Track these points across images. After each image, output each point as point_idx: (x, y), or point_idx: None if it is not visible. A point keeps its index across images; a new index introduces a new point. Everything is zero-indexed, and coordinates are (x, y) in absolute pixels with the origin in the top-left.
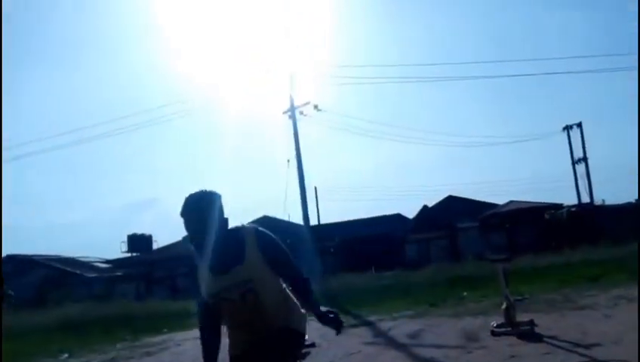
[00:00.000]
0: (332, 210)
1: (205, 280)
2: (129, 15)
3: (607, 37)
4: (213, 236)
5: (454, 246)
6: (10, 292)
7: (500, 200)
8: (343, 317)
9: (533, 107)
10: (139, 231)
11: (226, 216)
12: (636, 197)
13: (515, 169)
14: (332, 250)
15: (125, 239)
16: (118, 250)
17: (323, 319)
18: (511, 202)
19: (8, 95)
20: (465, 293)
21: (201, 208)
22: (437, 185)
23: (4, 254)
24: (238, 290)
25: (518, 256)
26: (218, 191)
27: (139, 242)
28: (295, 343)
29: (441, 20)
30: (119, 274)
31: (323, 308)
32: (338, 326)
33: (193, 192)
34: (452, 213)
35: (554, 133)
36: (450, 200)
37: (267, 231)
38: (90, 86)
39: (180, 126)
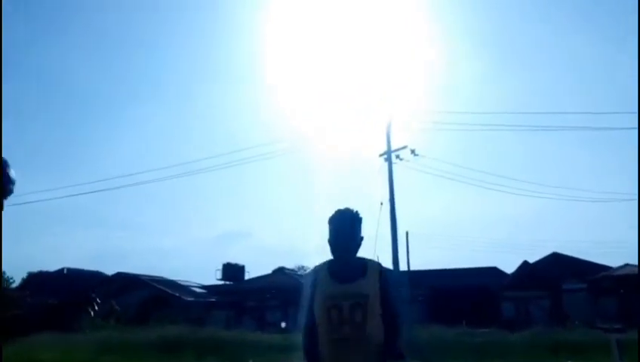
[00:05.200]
0: (423, 258)
1: (324, 285)
2: (235, 56)
3: None
4: (352, 248)
5: (558, 309)
6: (116, 307)
7: (612, 263)
8: None
9: None
10: (233, 261)
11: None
12: None
13: (629, 230)
14: (420, 299)
15: (220, 267)
16: (212, 276)
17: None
18: (626, 265)
19: (124, 129)
20: None
21: (351, 221)
22: (539, 240)
23: (113, 272)
24: (352, 300)
25: (634, 328)
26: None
27: (232, 271)
28: None
29: (549, 68)
30: (213, 300)
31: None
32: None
33: (345, 208)
34: (556, 272)
35: None
36: (555, 257)
37: (387, 272)
38: (196, 123)
39: (277, 163)
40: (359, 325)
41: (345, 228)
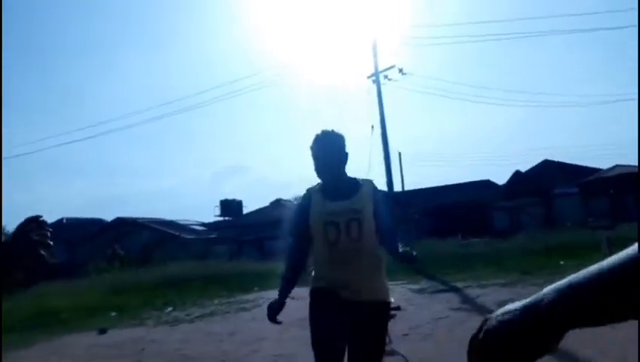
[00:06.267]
0: (417, 177)
1: (318, 204)
2: None
3: None
4: (337, 167)
5: (549, 214)
6: (119, 251)
7: (603, 165)
8: (429, 283)
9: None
10: (230, 197)
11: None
12: None
13: (619, 131)
14: (416, 217)
15: (218, 204)
16: (211, 213)
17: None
18: (616, 166)
19: (115, 73)
20: (562, 262)
21: (331, 142)
22: (530, 149)
23: (112, 217)
24: (347, 216)
25: (624, 224)
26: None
27: (230, 207)
28: (387, 315)
29: None
30: (214, 236)
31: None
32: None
33: (322, 130)
34: (548, 179)
35: None
36: (546, 164)
37: (379, 189)
38: (179, 64)
39: (267, 94)
40: (356, 240)
41: (326, 150)
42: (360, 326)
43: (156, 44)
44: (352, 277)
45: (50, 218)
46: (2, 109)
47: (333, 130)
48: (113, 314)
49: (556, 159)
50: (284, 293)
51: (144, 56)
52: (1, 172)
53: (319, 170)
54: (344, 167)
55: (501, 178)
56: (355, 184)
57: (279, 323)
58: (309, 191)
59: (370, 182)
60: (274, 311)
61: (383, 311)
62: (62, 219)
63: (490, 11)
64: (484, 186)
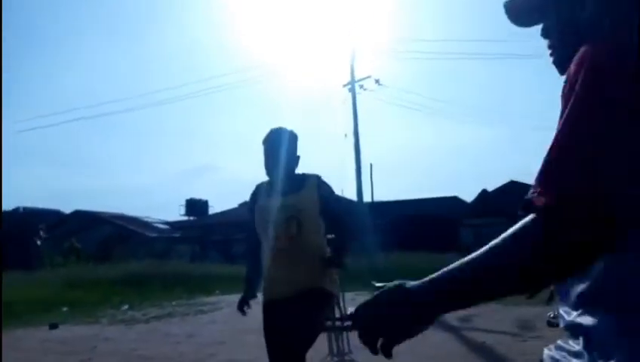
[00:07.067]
0: (387, 188)
1: (262, 199)
2: None
3: None
4: (284, 164)
5: None
6: (76, 245)
7: None
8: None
9: None
10: (196, 196)
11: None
12: None
13: None
14: (384, 228)
15: (184, 203)
16: (176, 212)
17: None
18: None
19: (82, 63)
20: None
21: (281, 139)
22: (499, 168)
23: (72, 209)
24: (286, 213)
25: None
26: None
27: (196, 206)
28: (326, 303)
29: None
30: (177, 235)
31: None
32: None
33: (278, 127)
34: (513, 199)
35: None
36: (512, 185)
37: (327, 183)
38: (156, 55)
39: (241, 95)
40: (294, 238)
41: (276, 147)
42: (294, 308)
43: (133, 33)
44: (292, 275)
45: (6, 206)
46: (2, 105)
47: (287, 129)
48: (65, 309)
49: (522, 180)
50: (248, 291)
51: (119, 45)
52: (1, 160)
53: (267, 166)
54: (293, 166)
55: (469, 194)
56: (301, 180)
57: (245, 312)
58: (257, 186)
59: (315, 177)
60: (241, 303)
61: (320, 295)
62: (18, 208)
63: (467, 30)
64: (452, 202)
